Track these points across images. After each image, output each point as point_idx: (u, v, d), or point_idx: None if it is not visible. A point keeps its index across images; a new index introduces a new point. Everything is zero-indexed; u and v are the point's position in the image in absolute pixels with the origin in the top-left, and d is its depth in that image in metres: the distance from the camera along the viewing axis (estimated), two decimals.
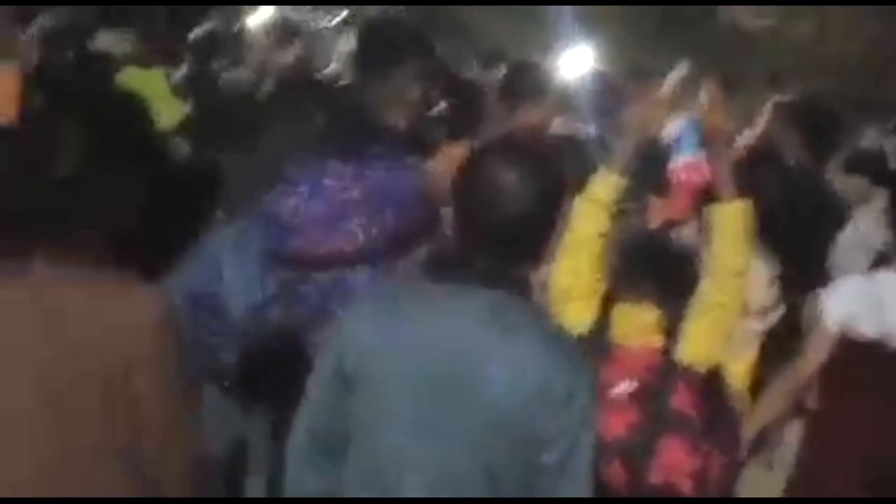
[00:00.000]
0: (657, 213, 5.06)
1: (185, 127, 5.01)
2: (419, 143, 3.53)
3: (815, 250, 5.61)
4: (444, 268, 2.41)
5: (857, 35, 28.90)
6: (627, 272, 3.13)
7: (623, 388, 2.94)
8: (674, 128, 7.45)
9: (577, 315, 3.08)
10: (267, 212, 3.18)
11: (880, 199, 6.11)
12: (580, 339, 2.97)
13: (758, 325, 3.96)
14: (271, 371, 3.36)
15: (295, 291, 3.17)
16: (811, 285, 5.52)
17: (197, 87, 6.19)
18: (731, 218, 3.23)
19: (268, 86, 5.45)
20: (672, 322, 3.04)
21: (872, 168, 6.33)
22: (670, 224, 4.62)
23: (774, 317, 4.08)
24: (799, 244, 4.81)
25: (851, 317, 3.52)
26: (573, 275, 3.17)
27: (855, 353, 3.52)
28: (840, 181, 6.10)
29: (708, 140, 3.35)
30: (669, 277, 3.13)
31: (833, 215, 5.65)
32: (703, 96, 7.43)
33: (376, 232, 3.12)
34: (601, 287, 3.14)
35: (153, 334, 2.32)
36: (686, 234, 4.40)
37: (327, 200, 3.12)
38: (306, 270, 3.15)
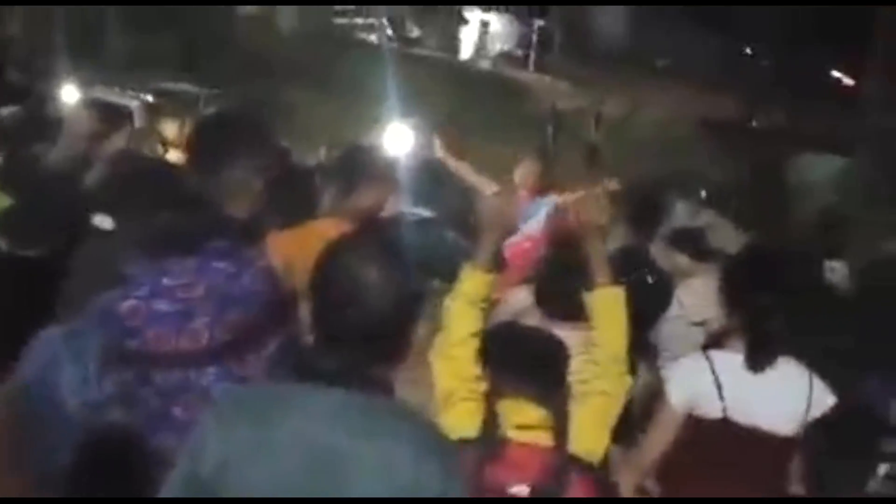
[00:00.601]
0: (505, 298, 5.12)
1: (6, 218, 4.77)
2: (255, 231, 3.44)
3: (643, 327, 5.76)
4: (302, 367, 2.33)
5: (664, 114, 30.30)
6: (507, 370, 3.11)
7: (519, 489, 2.91)
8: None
9: (464, 418, 3.04)
10: (104, 311, 3.02)
11: (702, 274, 6.33)
12: (468, 441, 2.95)
13: None
14: (105, 473, 3.20)
15: (135, 393, 3.02)
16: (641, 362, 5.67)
17: (15, 175, 5.93)
18: (608, 304, 3.26)
19: (97, 172, 5.22)
20: (558, 415, 3.03)
21: (693, 245, 6.55)
22: (496, 301, 4.67)
23: None
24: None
25: (693, 397, 3.59)
26: (454, 377, 3.14)
27: (700, 433, 3.58)
28: (663, 258, 6.28)
29: (582, 228, 3.36)
30: (549, 373, 3.11)
31: (661, 292, 5.81)
32: (520, 174, 7.61)
33: (221, 330, 2.98)
34: (482, 386, 3.12)
35: None
36: (521, 313, 4.45)
37: (169, 299, 2.98)
38: (147, 371, 3.00)
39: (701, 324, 6.07)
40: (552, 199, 7.73)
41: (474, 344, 3.18)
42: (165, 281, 3.00)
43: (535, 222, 6.91)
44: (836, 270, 6.90)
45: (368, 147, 4.96)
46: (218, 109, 3.66)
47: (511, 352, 3.16)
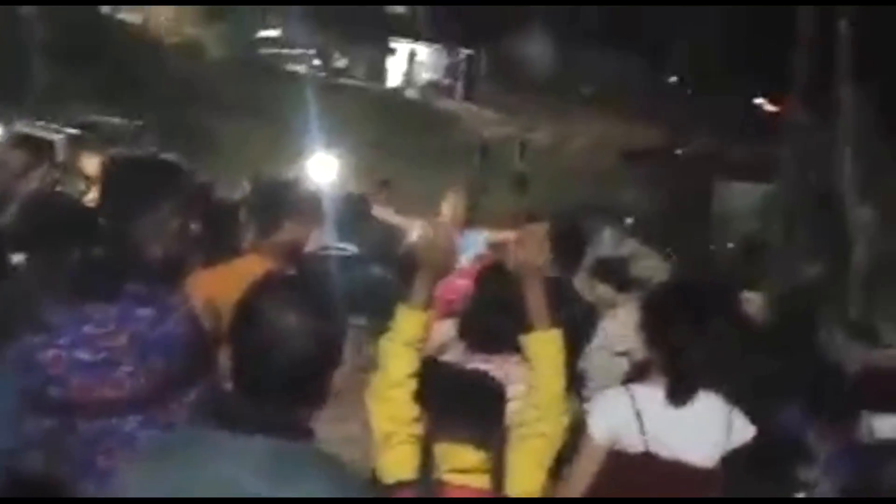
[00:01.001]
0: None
1: None
2: (176, 272, 3.42)
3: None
4: (223, 413, 2.33)
5: (591, 142, 30.62)
6: (445, 413, 3.10)
7: None
8: None
9: (402, 461, 3.03)
10: (25, 358, 2.97)
11: (625, 304, 6.40)
12: (406, 483, 2.95)
13: None
14: None
15: (58, 441, 2.98)
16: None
17: None
18: (547, 347, 3.26)
19: (11, 213, 5.11)
20: (495, 458, 3.03)
21: (616, 276, 6.62)
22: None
23: None
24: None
25: (615, 430, 3.63)
26: (391, 421, 3.12)
27: (622, 466, 3.61)
28: (588, 289, 6.33)
29: (520, 268, 3.35)
30: (487, 417, 3.11)
31: (586, 324, 5.85)
32: (447, 207, 7.62)
33: (145, 378, 3.00)
34: (419, 427, 3.11)
35: None
36: (443, 347, 4.47)
37: (92, 349, 2.97)
38: (71, 419, 2.98)
39: (624, 353, 6.14)
40: (482, 234, 7.74)
41: (412, 385, 3.16)
42: (87, 329, 2.99)
43: (465, 258, 6.90)
44: (752, 301, 7.00)
45: (292, 181, 4.92)
46: (130, 153, 3.62)
47: (450, 395, 3.15)
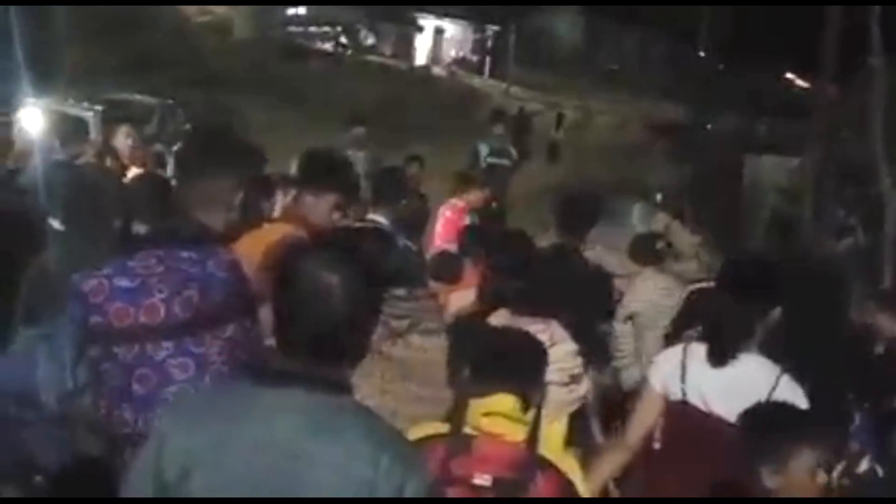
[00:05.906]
0: (448, 302, 5.21)
1: None
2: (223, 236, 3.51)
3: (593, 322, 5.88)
4: (265, 367, 2.41)
5: (619, 117, 30.45)
6: (486, 369, 3.17)
7: (483, 480, 2.95)
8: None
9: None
10: (72, 291, 3.14)
11: (650, 276, 6.51)
12: (437, 437, 3.01)
13: (571, 394, 4.17)
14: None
15: (100, 369, 3.14)
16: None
17: None
18: None
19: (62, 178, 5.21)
20: (533, 415, 3.10)
21: (650, 252, 6.69)
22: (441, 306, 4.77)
23: (584, 386, 4.29)
24: (584, 319, 5.02)
25: (664, 380, 3.89)
26: None
27: (665, 412, 3.89)
28: (603, 258, 6.41)
29: None
30: (528, 374, 3.21)
31: (602, 289, 5.96)
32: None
33: (179, 307, 3.13)
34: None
35: None
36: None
37: (130, 276, 3.14)
38: (110, 346, 3.13)
39: (630, 318, 6.33)
40: None
41: None
42: (129, 263, 3.17)
43: None
44: None
45: (319, 154, 4.98)
46: (204, 123, 3.71)
47: (493, 352, 3.25)
